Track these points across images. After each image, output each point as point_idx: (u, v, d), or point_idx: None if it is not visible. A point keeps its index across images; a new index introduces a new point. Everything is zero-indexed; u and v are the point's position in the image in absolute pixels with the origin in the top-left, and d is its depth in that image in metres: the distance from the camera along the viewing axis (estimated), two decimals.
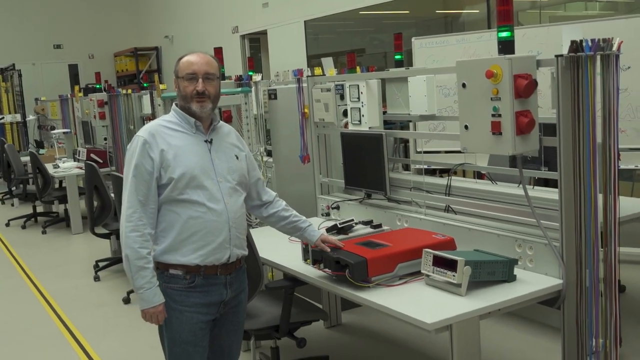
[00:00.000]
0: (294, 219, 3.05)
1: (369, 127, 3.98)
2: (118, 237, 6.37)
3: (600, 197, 2.77)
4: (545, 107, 3.44)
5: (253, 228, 4.30)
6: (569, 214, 2.80)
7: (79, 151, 8.75)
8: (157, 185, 2.63)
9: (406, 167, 6.03)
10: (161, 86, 6.03)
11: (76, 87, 9.70)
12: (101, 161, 8.04)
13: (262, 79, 5.63)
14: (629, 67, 4.97)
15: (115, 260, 6.44)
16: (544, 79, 3.12)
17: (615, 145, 2.76)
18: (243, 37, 11.65)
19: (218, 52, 5.52)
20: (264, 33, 11.06)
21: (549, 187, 3.75)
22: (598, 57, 2.68)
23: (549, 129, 2.98)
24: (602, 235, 2.80)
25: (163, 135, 2.65)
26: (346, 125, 4.17)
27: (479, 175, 4.26)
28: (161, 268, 2.69)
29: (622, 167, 4.45)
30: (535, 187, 3.79)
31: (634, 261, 4.82)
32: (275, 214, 3.03)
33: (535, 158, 3.68)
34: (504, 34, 2.89)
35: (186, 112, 2.70)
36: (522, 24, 7.24)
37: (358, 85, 3.97)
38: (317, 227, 3.86)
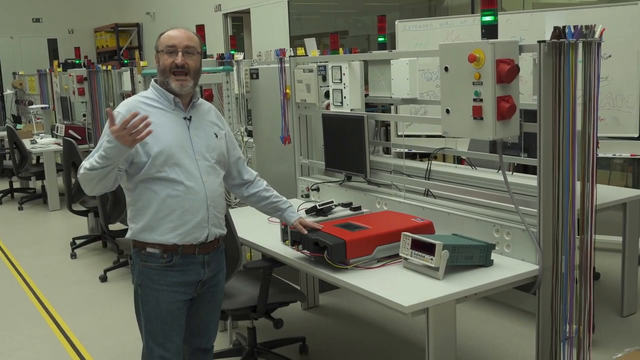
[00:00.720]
0: (275, 199, 3.04)
1: (351, 109, 3.97)
2: (96, 215, 6.36)
3: (578, 184, 2.79)
4: (526, 93, 3.45)
5: (232, 208, 4.29)
6: (547, 201, 2.81)
7: (57, 127, 8.65)
8: (133, 162, 2.59)
9: (386, 151, 6.04)
10: (142, 63, 5.96)
11: (55, 62, 9.57)
12: (80, 138, 7.96)
13: (244, 58, 5.59)
14: (609, 56, 5.00)
15: (93, 237, 6.41)
16: (526, 65, 3.12)
17: (595, 133, 2.78)
18: (226, 15, 11.54)
19: (200, 29, 5.46)
20: (246, 12, 10.97)
21: (527, 174, 3.78)
22: (580, 44, 2.69)
23: (529, 115, 2.99)
24: (578, 222, 2.83)
25: (141, 112, 2.59)
26: (328, 106, 4.15)
27: (458, 160, 4.27)
28: (138, 246, 2.68)
29: (600, 155, 4.49)
30: (515, 174, 3.81)
31: (609, 249, 4.88)
32: (256, 194, 3.01)
33: (515, 144, 3.69)
34: (488, 18, 2.89)
35: (165, 88, 2.67)
36: (505, 10, 7.25)
37: (341, 67, 3.95)
38: (297, 208, 3.86)
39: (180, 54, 2.61)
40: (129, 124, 2.37)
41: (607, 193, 3.98)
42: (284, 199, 3.08)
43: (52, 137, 8.77)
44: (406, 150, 4.43)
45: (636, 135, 5.08)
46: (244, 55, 5.80)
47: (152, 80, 2.74)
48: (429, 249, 2.76)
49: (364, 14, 10.27)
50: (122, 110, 2.62)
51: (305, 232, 2.99)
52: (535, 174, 2.88)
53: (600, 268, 4.74)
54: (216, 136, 2.77)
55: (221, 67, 4.76)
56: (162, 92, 2.68)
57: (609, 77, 5.09)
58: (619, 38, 4.89)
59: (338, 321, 4.39)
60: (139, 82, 5.89)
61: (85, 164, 2.51)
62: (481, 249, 2.87)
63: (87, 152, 6.12)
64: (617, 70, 5.06)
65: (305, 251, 3.03)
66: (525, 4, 7.91)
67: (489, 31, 2.88)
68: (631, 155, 5.22)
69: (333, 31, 8.63)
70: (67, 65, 9.33)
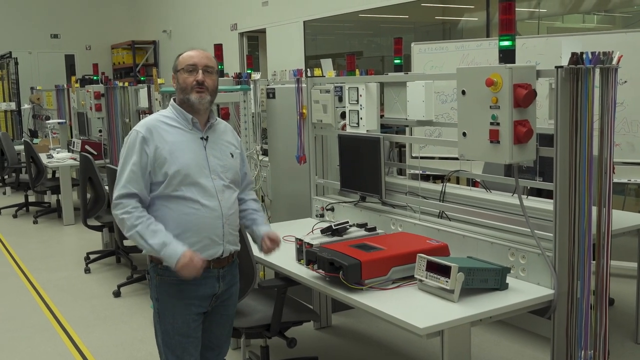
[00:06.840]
0: (246, 214, 2.98)
1: (367, 130, 4.00)
2: (110, 230, 6.38)
3: (593, 209, 2.80)
4: (541, 117, 3.46)
5: None
6: (563, 225, 2.82)
7: (74, 142, 8.73)
8: (151, 182, 2.65)
9: (399, 172, 6.04)
10: (159, 80, 6.02)
11: (73, 78, 9.68)
12: (96, 153, 8.02)
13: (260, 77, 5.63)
14: (625, 82, 5.01)
15: (107, 253, 6.44)
16: (541, 89, 3.14)
17: (611, 158, 2.79)
18: (242, 34, 11.65)
19: (218, 48, 5.51)
20: (262, 31, 11.07)
21: (541, 197, 3.78)
22: (597, 70, 2.71)
23: (544, 139, 3.00)
24: (594, 247, 2.83)
25: (160, 131, 2.68)
26: (343, 127, 4.18)
27: (472, 183, 4.28)
28: (155, 261, 2.72)
29: (614, 180, 4.48)
30: (529, 197, 3.81)
31: (624, 275, 4.86)
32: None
33: (530, 168, 3.70)
34: (506, 43, 2.91)
35: (184, 105, 2.73)
36: (519, 34, 7.28)
37: (357, 88, 3.98)
38: (312, 228, 3.89)
39: (200, 71, 2.69)
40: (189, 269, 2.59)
41: (622, 218, 3.97)
42: (256, 215, 3.00)
43: (68, 152, 8.85)
44: (421, 172, 4.45)
45: None
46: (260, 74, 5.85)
47: (172, 99, 2.80)
48: (444, 271, 2.77)
49: (378, 35, 10.35)
50: (141, 129, 2.67)
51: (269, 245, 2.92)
52: (549, 197, 2.89)
53: (615, 294, 4.71)
54: (232, 156, 2.82)
55: (239, 87, 4.80)
56: (181, 111, 2.73)
57: (624, 103, 5.09)
58: (635, 64, 4.89)
59: (351, 341, 4.39)
60: (156, 99, 5.95)
61: (137, 225, 2.59)
62: (496, 272, 2.87)
63: (103, 168, 6.19)
64: (632, 95, 5.07)
65: (320, 271, 3.04)
66: (540, 28, 7.95)
67: (507, 56, 2.90)
68: None
69: (348, 52, 8.70)
70: (84, 81, 9.44)
